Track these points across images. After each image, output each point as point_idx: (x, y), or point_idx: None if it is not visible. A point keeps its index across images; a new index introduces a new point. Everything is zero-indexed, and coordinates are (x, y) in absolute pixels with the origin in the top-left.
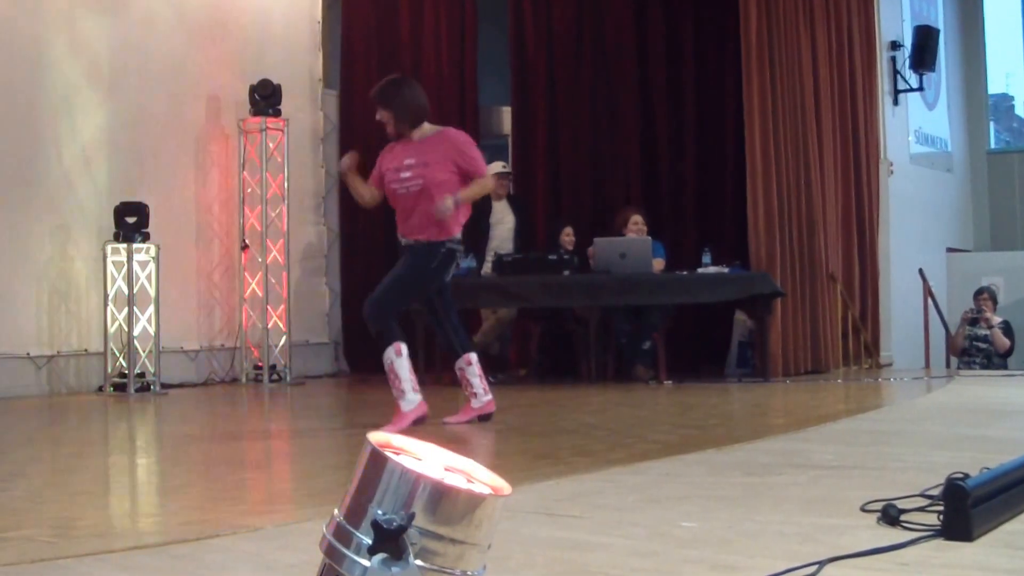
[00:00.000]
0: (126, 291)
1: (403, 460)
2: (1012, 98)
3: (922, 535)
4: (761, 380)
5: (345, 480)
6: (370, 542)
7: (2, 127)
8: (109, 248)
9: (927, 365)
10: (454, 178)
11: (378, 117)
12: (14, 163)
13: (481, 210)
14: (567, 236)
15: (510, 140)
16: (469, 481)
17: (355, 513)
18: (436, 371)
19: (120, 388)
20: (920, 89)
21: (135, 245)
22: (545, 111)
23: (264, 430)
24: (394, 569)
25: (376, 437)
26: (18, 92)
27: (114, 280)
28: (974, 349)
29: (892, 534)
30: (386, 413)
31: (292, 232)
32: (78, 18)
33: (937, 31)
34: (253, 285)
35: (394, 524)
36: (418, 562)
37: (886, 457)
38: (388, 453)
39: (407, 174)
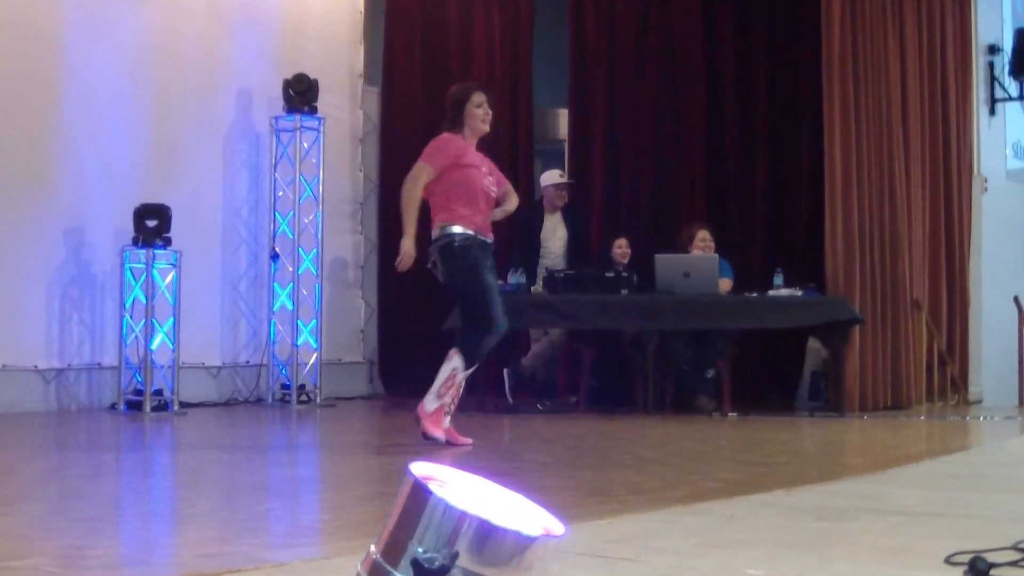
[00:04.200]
0: (144, 301)
1: (447, 494)
2: None
3: None
4: (836, 415)
5: (379, 513)
6: None
7: (16, 119)
8: (127, 253)
9: (1021, 403)
10: None
11: (487, 109)
12: (27, 158)
13: (533, 223)
14: (620, 249)
15: (566, 145)
16: (519, 519)
17: (393, 550)
18: (478, 395)
19: (135, 406)
20: (1020, 98)
21: (155, 251)
22: (605, 115)
23: (291, 456)
24: None
25: (419, 468)
26: (35, 82)
27: (132, 288)
28: None
29: None
30: (424, 441)
31: (326, 241)
32: (102, 3)
33: None
34: (283, 297)
35: (436, 564)
36: None
37: (974, 504)
38: (431, 486)
39: (490, 178)
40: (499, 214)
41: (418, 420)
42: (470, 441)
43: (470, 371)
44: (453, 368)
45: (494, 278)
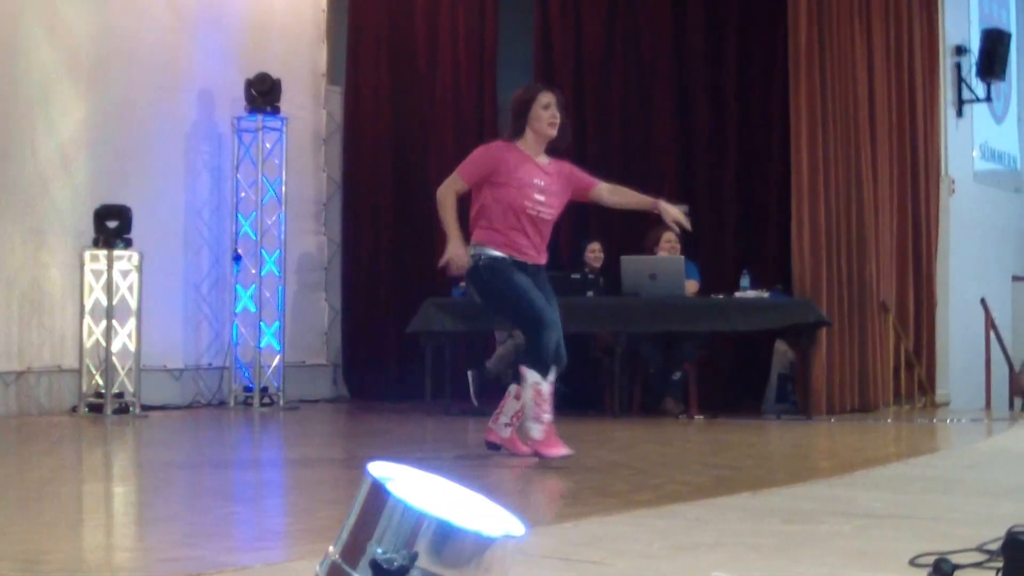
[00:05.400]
0: (105, 302)
1: (406, 495)
2: None
3: None
4: (803, 418)
5: (342, 516)
6: None
7: None
8: (87, 255)
9: (988, 406)
10: None
11: (555, 111)
12: None
13: None
14: (593, 253)
15: None
16: (479, 520)
17: (352, 552)
18: (443, 398)
19: (96, 409)
20: (987, 99)
21: (116, 252)
22: (572, 116)
23: (254, 459)
24: None
25: (377, 468)
26: None
27: (92, 290)
28: None
29: None
30: (388, 443)
31: (289, 241)
32: (58, 1)
33: (1008, 35)
34: (245, 299)
35: (395, 565)
36: None
37: (940, 507)
38: (390, 486)
39: (541, 197)
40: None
41: (536, 454)
42: (528, 451)
43: (552, 377)
44: (533, 384)
45: (527, 282)
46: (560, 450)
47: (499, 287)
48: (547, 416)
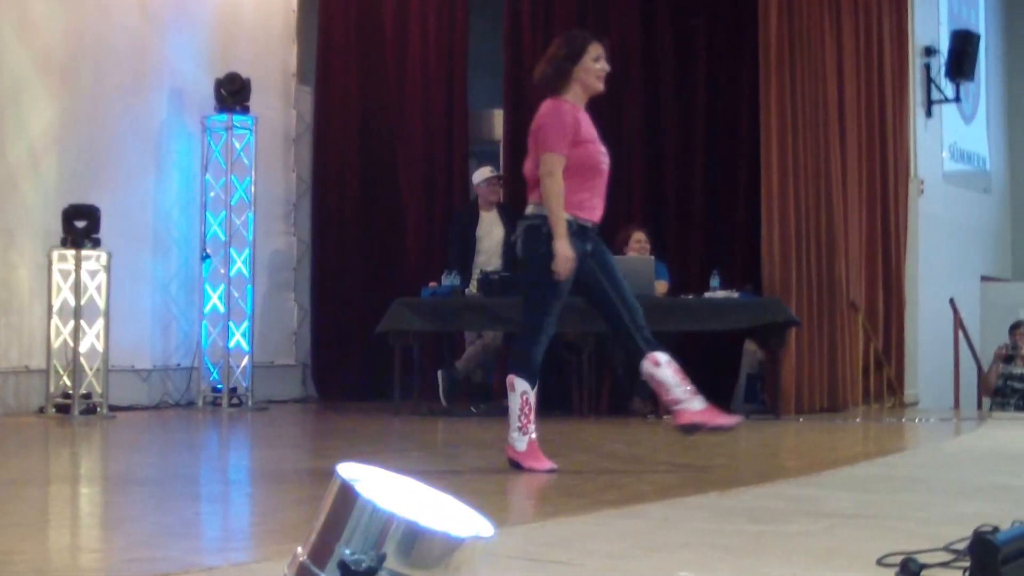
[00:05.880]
0: (73, 302)
1: (375, 496)
2: None
3: None
4: (772, 417)
5: (310, 516)
6: None
7: None
8: (55, 254)
9: (956, 405)
10: None
11: (605, 64)
12: None
13: (468, 221)
14: None
15: (501, 147)
16: (447, 521)
17: (321, 552)
18: (412, 398)
19: (63, 410)
20: (956, 100)
21: (84, 252)
22: None
23: (222, 459)
24: None
25: (346, 469)
26: None
27: (60, 290)
28: (1009, 389)
29: None
30: (357, 443)
31: (258, 242)
32: (28, 1)
33: (977, 36)
34: (214, 299)
35: (363, 565)
36: None
37: (908, 506)
38: (359, 488)
39: (604, 148)
40: None
41: (516, 465)
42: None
43: (535, 386)
44: (522, 393)
45: (565, 290)
46: (546, 464)
47: (544, 270)
48: (532, 426)
